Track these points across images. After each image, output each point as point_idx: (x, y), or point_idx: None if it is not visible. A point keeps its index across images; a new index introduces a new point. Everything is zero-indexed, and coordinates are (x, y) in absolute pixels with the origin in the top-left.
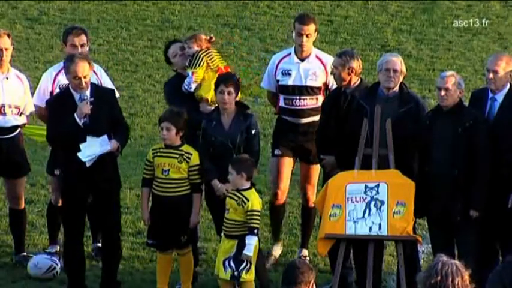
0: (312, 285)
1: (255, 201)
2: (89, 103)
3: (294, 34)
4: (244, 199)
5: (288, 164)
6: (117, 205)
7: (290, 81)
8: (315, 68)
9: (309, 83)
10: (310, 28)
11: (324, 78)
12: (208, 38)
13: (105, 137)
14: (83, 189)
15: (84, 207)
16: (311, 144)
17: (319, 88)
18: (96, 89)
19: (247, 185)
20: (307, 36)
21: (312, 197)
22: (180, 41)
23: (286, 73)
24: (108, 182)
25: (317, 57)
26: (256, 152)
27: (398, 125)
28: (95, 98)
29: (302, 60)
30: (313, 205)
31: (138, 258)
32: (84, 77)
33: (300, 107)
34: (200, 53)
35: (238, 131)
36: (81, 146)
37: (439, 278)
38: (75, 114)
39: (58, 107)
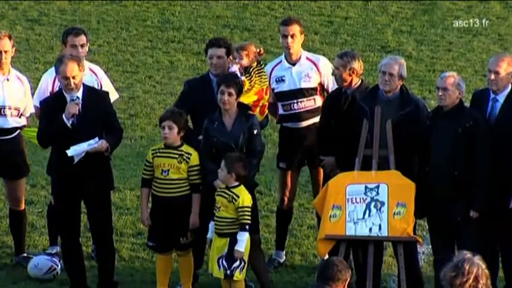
0: (346, 285)
1: (245, 197)
2: (79, 104)
3: (280, 38)
4: (234, 196)
5: (293, 175)
6: (108, 207)
7: (285, 87)
8: (307, 70)
9: (304, 85)
10: (294, 28)
11: (318, 79)
12: (258, 50)
13: (96, 138)
14: (74, 190)
15: (77, 209)
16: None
17: (314, 89)
18: (89, 90)
19: (236, 183)
20: (291, 37)
21: None
22: (222, 45)
23: (280, 80)
24: (98, 184)
25: (307, 58)
26: (259, 152)
27: (398, 127)
28: (87, 99)
29: (293, 64)
30: None
31: (138, 259)
32: (73, 78)
33: (298, 110)
34: (252, 71)
35: (241, 131)
36: (72, 147)
37: (465, 279)
38: (63, 115)
39: (49, 108)
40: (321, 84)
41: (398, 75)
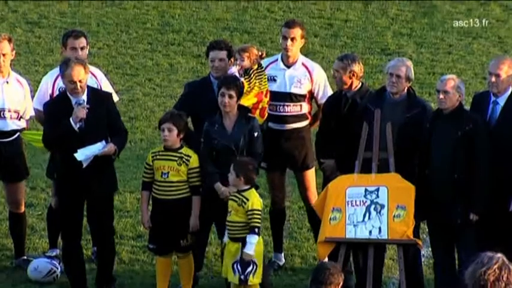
0: None
1: (255, 200)
2: (85, 108)
3: (280, 39)
4: (244, 199)
5: (277, 176)
6: (111, 208)
7: (275, 88)
8: (300, 76)
9: (293, 90)
10: (295, 32)
11: (309, 86)
12: (260, 53)
13: (103, 142)
14: (78, 192)
15: (80, 210)
16: (298, 151)
17: (303, 96)
18: (93, 92)
19: (246, 186)
20: (292, 40)
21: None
22: (223, 48)
23: (272, 79)
24: (102, 185)
25: (303, 64)
26: (259, 154)
27: (404, 130)
28: (91, 101)
29: (288, 67)
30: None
31: (138, 261)
32: (80, 81)
33: (283, 114)
34: (251, 73)
35: (241, 133)
36: (79, 150)
37: (485, 268)
38: (70, 119)
39: (55, 110)
40: (311, 92)
41: (406, 77)
